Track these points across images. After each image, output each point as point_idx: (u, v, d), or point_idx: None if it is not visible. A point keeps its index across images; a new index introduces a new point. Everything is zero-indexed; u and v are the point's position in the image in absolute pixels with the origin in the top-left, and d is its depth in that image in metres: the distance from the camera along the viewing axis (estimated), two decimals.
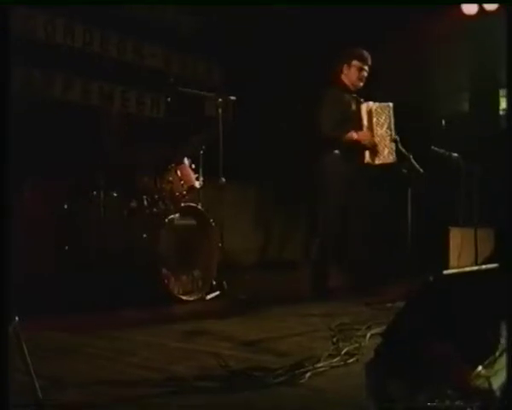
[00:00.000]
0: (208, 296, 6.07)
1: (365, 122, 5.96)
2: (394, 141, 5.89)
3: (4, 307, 2.59)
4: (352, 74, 6.11)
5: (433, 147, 6.30)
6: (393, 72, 5.98)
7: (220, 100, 6.41)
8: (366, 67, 6.10)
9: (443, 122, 6.89)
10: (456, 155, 6.44)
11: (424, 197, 6.28)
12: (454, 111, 8.81)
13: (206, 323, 4.88)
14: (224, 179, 6.33)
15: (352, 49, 6.16)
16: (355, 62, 6.08)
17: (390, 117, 6.00)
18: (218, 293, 6.14)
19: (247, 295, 5.98)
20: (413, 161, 5.76)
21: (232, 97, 6.61)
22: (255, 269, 8.22)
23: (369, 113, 5.95)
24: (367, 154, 5.95)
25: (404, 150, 5.84)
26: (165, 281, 5.73)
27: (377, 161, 5.97)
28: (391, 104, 6.04)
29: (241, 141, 7.96)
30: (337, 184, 5.95)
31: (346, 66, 6.12)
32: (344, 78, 6.15)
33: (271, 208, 9.15)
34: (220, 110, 6.37)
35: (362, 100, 6.09)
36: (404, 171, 5.83)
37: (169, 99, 6.58)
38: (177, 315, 5.41)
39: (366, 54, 6.10)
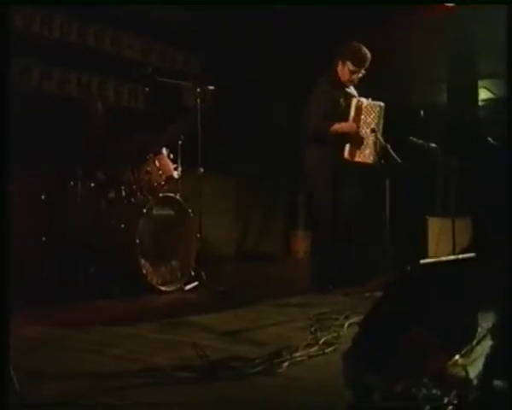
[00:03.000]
0: (187, 287, 6.07)
1: (352, 116, 5.86)
2: (382, 145, 5.75)
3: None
4: (345, 74, 5.92)
5: (411, 137, 6.30)
6: (372, 62, 5.86)
7: (199, 90, 6.38)
8: (361, 70, 5.87)
9: (421, 113, 6.90)
10: (434, 145, 6.45)
11: (402, 188, 6.28)
12: (433, 102, 8.83)
13: (184, 314, 4.86)
14: (202, 169, 6.31)
15: (349, 46, 5.88)
16: (348, 63, 5.86)
17: (379, 118, 5.88)
18: (196, 284, 6.14)
19: (225, 286, 5.97)
20: (391, 150, 5.68)
21: (211, 87, 6.59)
22: (234, 260, 8.26)
23: (358, 109, 5.85)
24: (347, 149, 5.85)
25: (381, 140, 5.78)
26: (144, 271, 5.73)
27: (357, 159, 5.87)
28: (382, 104, 5.93)
29: (221, 131, 7.96)
30: (324, 179, 5.90)
31: (340, 62, 5.92)
32: (339, 71, 5.96)
33: (251, 200, 9.17)
34: (199, 100, 6.35)
35: (355, 95, 5.97)
36: (382, 161, 5.78)
37: (147, 89, 6.53)
38: (155, 306, 5.42)
39: (363, 56, 5.82)
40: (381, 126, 5.92)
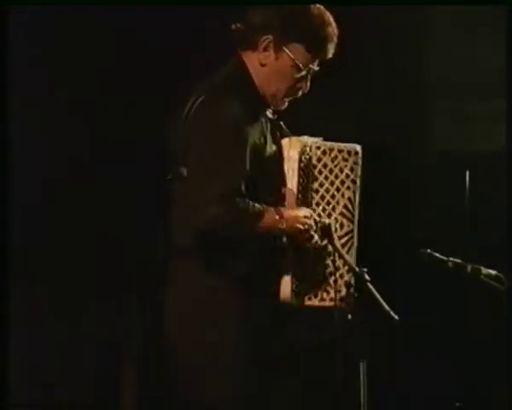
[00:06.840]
0: None
1: (294, 186, 5.06)
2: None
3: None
4: (278, 75, 5.09)
5: (423, 250, 5.66)
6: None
7: None
8: (313, 67, 5.06)
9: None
10: (492, 274, 5.66)
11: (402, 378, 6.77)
12: (477, 146, 8.33)
13: None
14: None
15: (298, 12, 5.08)
16: (297, 48, 4.96)
17: (355, 187, 5.22)
18: None
19: None
20: (373, 291, 4.78)
21: None
22: None
23: (304, 165, 5.12)
24: (287, 283, 5.15)
25: (346, 255, 5.06)
26: None
27: (307, 301, 5.14)
28: (357, 147, 5.21)
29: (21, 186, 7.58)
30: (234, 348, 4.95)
31: (271, 49, 4.98)
32: (254, 70, 5.09)
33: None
34: None
35: (282, 128, 5.27)
36: (350, 317, 4.94)
37: None
38: None
39: (329, 34, 5.05)
40: (356, 212, 5.27)
